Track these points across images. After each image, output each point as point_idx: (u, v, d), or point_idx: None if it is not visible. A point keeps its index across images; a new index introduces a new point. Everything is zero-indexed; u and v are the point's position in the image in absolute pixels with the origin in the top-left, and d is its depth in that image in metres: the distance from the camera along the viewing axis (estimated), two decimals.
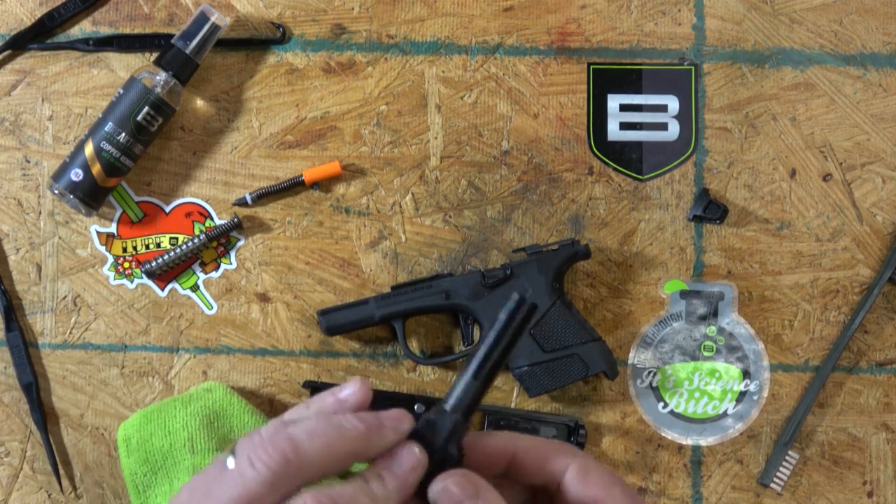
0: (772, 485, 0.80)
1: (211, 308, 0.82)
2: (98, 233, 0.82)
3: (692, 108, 0.82)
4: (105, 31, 0.83)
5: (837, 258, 0.82)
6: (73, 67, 0.83)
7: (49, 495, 0.82)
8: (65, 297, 0.82)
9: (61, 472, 0.82)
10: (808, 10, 0.82)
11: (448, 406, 0.43)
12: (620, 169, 0.82)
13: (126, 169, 0.79)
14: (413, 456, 0.42)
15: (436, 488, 0.42)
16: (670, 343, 0.81)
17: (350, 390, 0.44)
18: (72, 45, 0.82)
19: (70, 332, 0.82)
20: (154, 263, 0.81)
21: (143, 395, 0.82)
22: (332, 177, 0.82)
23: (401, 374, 0.82)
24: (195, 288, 0.82)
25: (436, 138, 0.82)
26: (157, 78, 0.78)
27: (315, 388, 0.80)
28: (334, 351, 0.82)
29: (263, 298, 0.82)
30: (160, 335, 0.82)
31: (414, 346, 0.82)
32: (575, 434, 0.79)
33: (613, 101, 0.83)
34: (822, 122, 0.82)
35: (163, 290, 0.82)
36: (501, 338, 0.44)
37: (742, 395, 0.81)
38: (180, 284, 0.82)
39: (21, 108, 0.83)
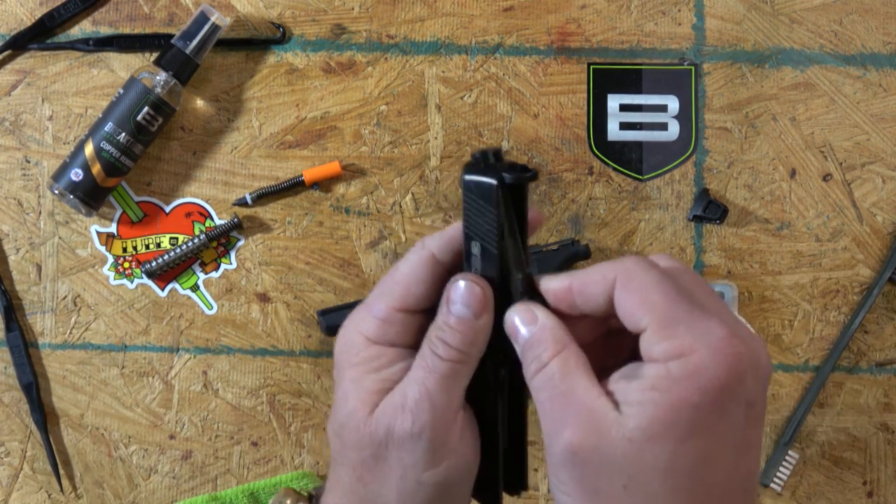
0: (772, 485, 0.80)
1: (211, 308, 0.82)
2: (98, 233, 0.82)
3: (692, 108, 0.82)
4: (105, 31, 0.83)
5: (837, 258, 0.82)
6: (73, 67, 0.83)
7: (49, 495, 0.82)
8: (65, 297, 0.82)
9: (61, 472, 0.82)
10: (808, 10, 0.82)
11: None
12: (620, 169, 0.82)
13: (126, 169, 0.79)
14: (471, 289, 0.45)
15: (506, 321, 0.45)
16: None
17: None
18: (72, 45, 0.82)
19: (70, 332, 0.82)
20: (154, 263, 0.81)
21: (143, 395, 0.82)
22: (332, 177, 0.82)
23: None
24: (195, 288, 0.82)
25: (436, 138, 0.82)
26: (157, 78, 0.78)
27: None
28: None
29: (263, 298, 0.82)
30: (160, 335, 0.82)
31: None
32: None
33: (613, 101, 0.83)
34: (822, 122, 0.82)
35: (163, 290, 0.82)
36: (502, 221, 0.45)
37: None
38: (180, 284, 0.82)
39: (21, 108, 0.83)
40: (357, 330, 0.48)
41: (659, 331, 0.41)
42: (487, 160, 0.45)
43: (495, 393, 0.47)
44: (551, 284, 0.46)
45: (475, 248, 0.46)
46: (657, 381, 0.40)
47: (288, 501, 0.66)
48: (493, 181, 0.44)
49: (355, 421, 0.46)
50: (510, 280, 0.46)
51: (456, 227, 0.47)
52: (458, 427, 0.46)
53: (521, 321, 0.45)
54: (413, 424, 0.45)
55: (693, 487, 0.40)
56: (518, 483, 0.49)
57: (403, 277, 0.47)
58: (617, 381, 0.42)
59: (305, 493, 0.62)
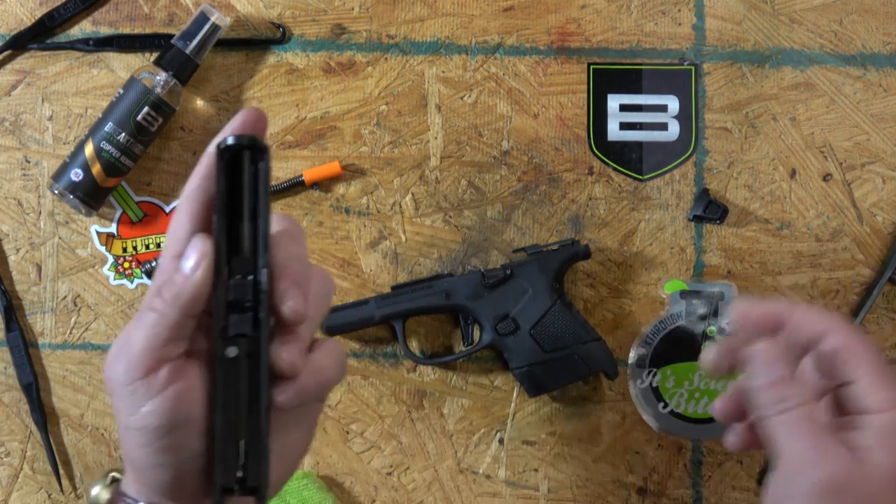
0: None
1: None
2: (98, 233, 0.82)
3: (692, 108, 0.82)
4: (105, 31, 0.83)
5: (837, 258, 0.82)
6: (73, 67, 0.83)
7: (49, 495, 0.82)
8: (65, 297, 0.82)
9: (61, 472, 0.82)
10: (808, 10, 0.82)
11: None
12: (620, 169, 0.82)
13: (126, 169, 0.79)
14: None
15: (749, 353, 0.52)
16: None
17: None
18: (72, 45, 0.82)
19: (70, 332, 0.82)
20: (154, 263, 0.81)
21: None
22: (332, 177, 0.82)
23: (401, 374, 0.82)
24: None
25: (436, 138, 0.82)
26: (157, 78, 0.78)
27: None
28: None
29: None
30: None
31: (414, 346, 0.82)
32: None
33: (613, 101, 0.83)
34: (822, 122, 0.82)
35: None
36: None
37: None
38: None
39: (21, 108, 0.83)
40: (149, 288, 0.50)
41: (875, 383, 0.49)
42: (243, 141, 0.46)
43: (213, 370, 0.46)
44: (762, 308, 0.53)
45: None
46: (886, 429, 0.48)
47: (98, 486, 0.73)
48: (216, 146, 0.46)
49: (104, 368, 0.49)
50: (224, 251, 0.46)
51: (201, 166, 0.48)
52: (162, 379, 0.45)
53: (770, 358, 0.51)
54: (113, 369, 0.46)
55: None
56: (226, 477, 0.46)
57: (171, 229, 0.49)
58: (840, 433, 0.49)
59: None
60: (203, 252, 0.46)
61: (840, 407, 0.51)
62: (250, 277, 0.46)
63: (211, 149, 0.47)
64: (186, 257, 0.46)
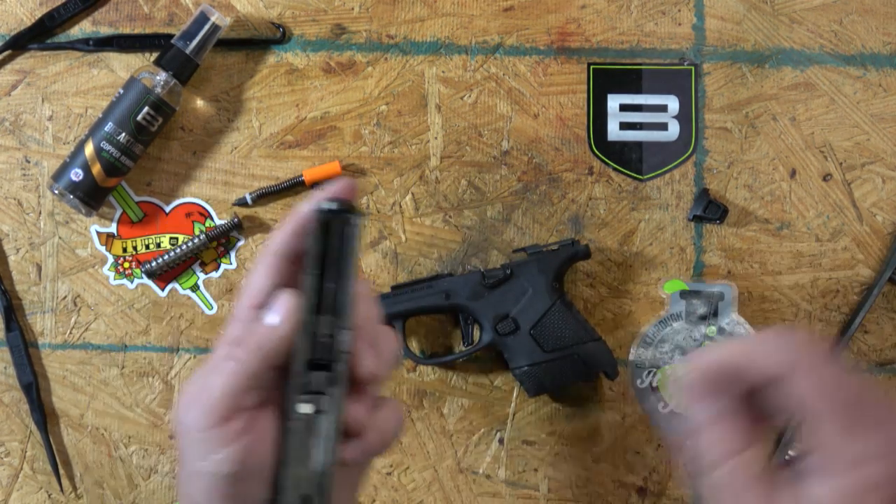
0: None
1: (211, 308, 0.82)
2: (98, 233, 0.82)
3: (692, 108, 0.82)
4: (105, 31, 0.83)
5: (837, 258, 0.82)
6: (73, 67, 0.83)
7: (49, 495, 0.82)
8: (65, 297, 0.82)
9: (61, 472, 0.82)
10: (808, 10, 0.82)
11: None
12: (620, 169, 0.82)
13: (126, 169, 0.79)
14: None
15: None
16: (670, 343, 0.81)
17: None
18: (72, 45, 0.82)
19: (70, 332, 0.82)
20: (154, 263, 0.81)
21: (143, 395, 0.82)
22: (332, 177, 0.82)
23: (401, 373, 0.82)
24: (195, 288, 0.82)
25: (436, 138, 0.82)
26: (157, 78, 0.78)
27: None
28: None
29: None
30: (160, 335, 0.82)
31: (414, 346, 0.82)
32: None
33: (613, 101, 0.83)
34: (822, 122, 0.82)
35: (163, 290, 0.82)
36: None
37: None
38: (180, 284, 0.82)
39: (21, 108, 0.83)
40: (223, 336, 0.50)
41: (843, 432, 0.40)
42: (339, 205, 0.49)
43: (286, 424, 0.48)
44: (710, 356, 0.43)
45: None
46: (845, 496, 0.40)
47: None
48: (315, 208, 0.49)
49: (177, 413, 0.49)
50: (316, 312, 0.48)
51: (290, 223, 0.50)
52: (237, 427, 0.46)
53: (700, 395, 0.43)
54: (187, 414, 0.47)
55: None
56: None
57: (250, 279, 0.50)
58: (797, 482, 0.41)
59: None
60: (290, 307, 0.47)
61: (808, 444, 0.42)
62: (332, 337, 0.48)
63: (302, 208, 0.49)
64: (272, 311, 0.47)
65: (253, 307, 0.49)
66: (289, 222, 0.50)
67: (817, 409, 0.40)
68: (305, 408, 0.47)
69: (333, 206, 0.48)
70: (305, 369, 0.47)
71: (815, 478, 0.40)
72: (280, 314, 0.47)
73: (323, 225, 0.48)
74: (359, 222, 0.48)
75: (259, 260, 0.50)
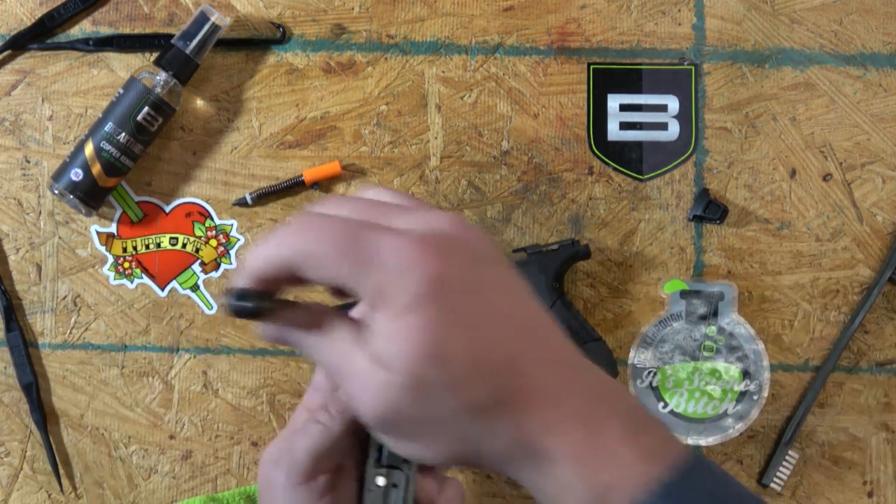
0: (772, 485, 0.80)
1: (211, 308, 0.82)
2: (98, 233, 0.82)
3: (692, 108, 0.82)
4: (105, 31, 0.83)
5: (837, 258, 0.82)
6: (73, 67, 0.83)
7: (49, 495, 0.82)
8: (65, 297, 0.82)
9: (61, 472, 0.82)
10: (808, 10, 0.82)
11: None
12: (620, 169, 0.82)
13: (126, 169, 0.79)
14: None
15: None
16: (670, 343, 0.81)
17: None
18: (72, 45, 0.82)
19: (70, 332, 0.82)
20: (233, 286, 0.81)
21: (143, 395, 0.82)
22: (332, 177, 0.82)
23: None
24: (195, 288, 0.82)
25: (436, 138, 0.82)
26: (157, 78, 0.78)
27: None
28: None
29: None
30: (160, 335, 0.82)
31: None
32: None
33: (613, 101, 0.83)
34: (822, 122, 0.82)
35: (163, 290, 0.82)
36: None
37: (742, 395, 0.81)
38: (180, 284, 0.82)
39: (21, 108, 0.83)
40: (302, 403, 0.53)
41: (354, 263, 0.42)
42: None
43: (361, 493, 0.51)
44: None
45: None
46: (384, 324, 0.42)
47: None
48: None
49: (263, 470, 0.51)
50: None
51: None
52: (322, 485, 0.49)
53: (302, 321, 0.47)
54: (275, 471, 0.50)
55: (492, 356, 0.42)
56: None
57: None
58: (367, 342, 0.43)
59: None
60: None
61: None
62: None
63: None
64: None
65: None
66: None
67: (334, 272, 0.43)
68: (380, 480, 0.50)
69: None
70: (380, 443, 0.50)
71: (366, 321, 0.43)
72: None
73: None
74: None
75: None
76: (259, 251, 0.44)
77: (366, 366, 0.42)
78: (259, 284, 0.45)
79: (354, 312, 0.48)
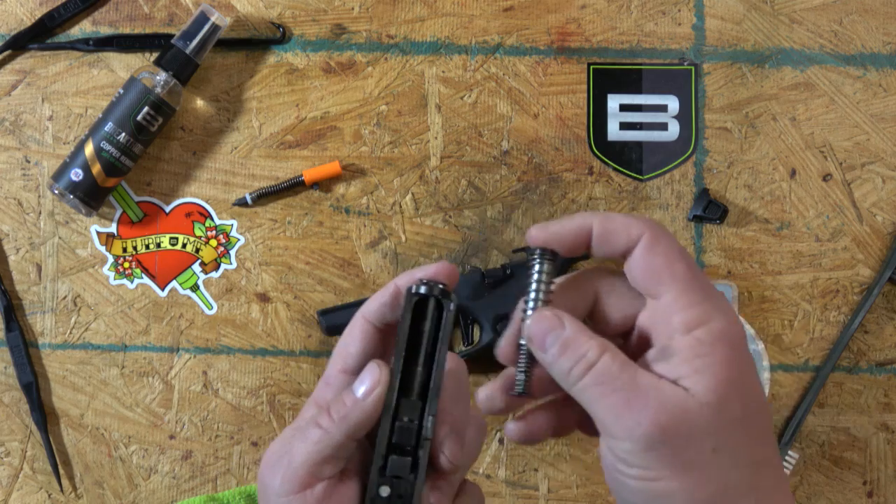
0: None
1: (211, 308, 0.82)
2: (98, 233, 0.82)
3: (692, 108, 0.82)
4: (105, 31, 0.83)
5: (837, 258, 0.82)
6: (73, 67, 0.83)
7: (49, 495, 0.82)
8: (65, 297, 0.82)
9: (61, 472, 0.82)
10: (808, 10, 0.82)
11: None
12: (620, 169, 0.82)
13: (126, 169, 0.79)
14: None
15: (528, 331, 0.47)
16: None
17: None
18: (72, 45, 0.82)
19: (70, 332, 0.82)
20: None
21: (143, 395, 0.82)
22: (332, 177, 0.82)
23: None
24: (195, 288, 0.82)
25: (436, 138, 0.82)
26: (157, 78, 0.78)
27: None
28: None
29: (263, 298, 0.82)
30: (160, 335, 0.82)
31: None
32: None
33: (613, 101, 0.83)
34: (822, 122, 0.82)
35: (163, 290, 0.82)
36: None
37: None
38: (180, 284, 0.82)
39: (21, 108, 0.83)
40: (312, 396, 0.50)
41: (682, 299, 0.45)
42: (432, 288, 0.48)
43: (362, 498, 0.48)
44: (565, 225, 0.47)
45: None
46: (696, 350, 0.44)
47: None
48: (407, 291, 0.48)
49: (261, 471, 0.49)
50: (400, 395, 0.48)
51: (382, 291, 0.49)
52: (317, 495, 0.46)
53: (548, 327, 0.46)
54: (270, 477, 0.47)
55: (760, 423, 0.45)
56: None
57: (342, 342, 0.50)
58: (654, 365, 0.45)
59: None
60: (378, 381, 0.47)
61: (654, 329, 0.47)
62: (416, 422, 0.47)
63: (399, 280, 0.48)
64: (361, 382, 0.47)
65: (343, 372, 0.49)
66: (383, 292, 0.49)
67: (657, 282, 0.45)
68: (384, 491, 0.47)
69: (428, 289, 0.47)
70: (386, 452, 0.47)
71: (668, 349, 0.45)
72: (367, 386, 0.47)
73: (415, 307, 0.47)
74: (453, 308, 0.47)
75: (353, 322, 0.50)
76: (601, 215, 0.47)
77: (653, 380, 0.44)
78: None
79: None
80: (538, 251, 0.47)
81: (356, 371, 0.48)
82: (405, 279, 0.48)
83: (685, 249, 0.46)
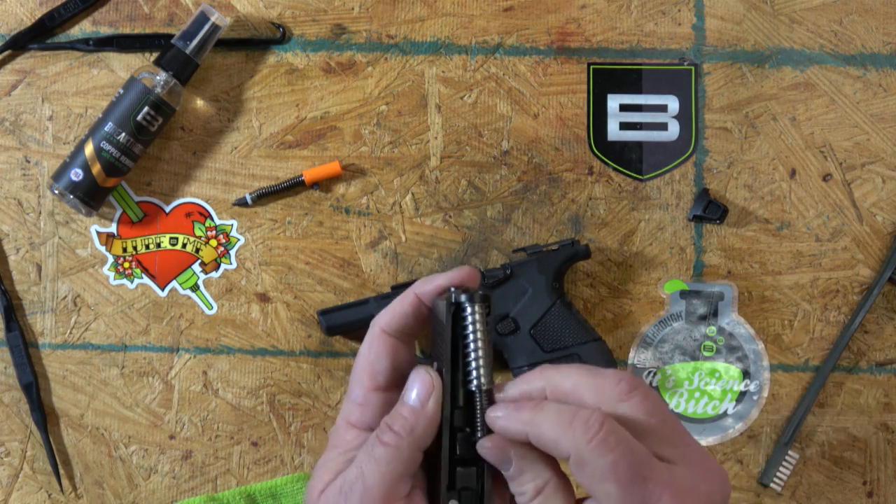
0: (772, 485, 0.80)
1: (211, 308, 0.82)
2: (98, 233, 0.82)
3: (692, 108, 0.82)
4: (105, 31, 0.83)
5: (837, 258, 0.82)
6: (73, 67, 0.83)
7: (49, 495, 0.82)
8: (65, 297, 0.82)
9: (61, 472, 0.82)
10: (808, 10, 0.82)
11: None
12: (620, 169, 0.82)
13: (126, 169, 0.80)
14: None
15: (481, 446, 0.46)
16: (670, 343, 0.81)
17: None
18: (72, 45, 0.82)
19: (70, 332, 0.82)
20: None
21: (143, 395, 0.82)
22: (332, 177, 0.82)
23: None
24: (195, 288, 0.82)
25: (436, 138, 0.82)
26: (157, 78, 0.78)
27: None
28: (334, 351, 0.82)
29: (263, 298, 0.82)
30: (160, 335, 0.82)
31: (414, 345, 0.82)
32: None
33: (613, 101, 0.83)
34: (822, 122, 0.82)
35: (163, 290, 0.82)
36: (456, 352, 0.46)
37: (742, 395, 0.81)
38: (180, 284, 0.82)
39: (21, 108, 0.83)
40: (342, 416, 0.49)
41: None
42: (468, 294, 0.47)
43: (436, 494, 0.47)
44: (505, 423, 0.46)
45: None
46: None
47: None
48: (446, 300, 0.47)
49: (310, 498, 0.47)
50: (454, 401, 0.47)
51: (400, 301, 0.48)
52: None
53: (497, 460, 0.46)
54: None
55: None
56: None
57: (364, 359, 0.49)
58: None
59: None
60: (431, 385, 0.46)
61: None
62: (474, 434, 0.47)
63: (417, 289, 0.48)
64: (412, 390, 0.46)
65: (376, 390, 0.48)
66: (401, 302, 0.48)
67: (593, 493, 0.43)
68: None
69: (469, 297, 0.46)
70: (450, 465, 0.46)
71: None
72: (422, 395, 0.46)
73: (456, 316, 0.46)
74: (489, 312, 0.47)
75: (370, 339, 0.49)
76: (536, 419, 0.44)
77: None
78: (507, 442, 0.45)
79: None
80: (465, 294, 0.47)
81: (389, 387, 0.48)
82: (424, 287, 0.47)
83: (625, 452, 0.43)
